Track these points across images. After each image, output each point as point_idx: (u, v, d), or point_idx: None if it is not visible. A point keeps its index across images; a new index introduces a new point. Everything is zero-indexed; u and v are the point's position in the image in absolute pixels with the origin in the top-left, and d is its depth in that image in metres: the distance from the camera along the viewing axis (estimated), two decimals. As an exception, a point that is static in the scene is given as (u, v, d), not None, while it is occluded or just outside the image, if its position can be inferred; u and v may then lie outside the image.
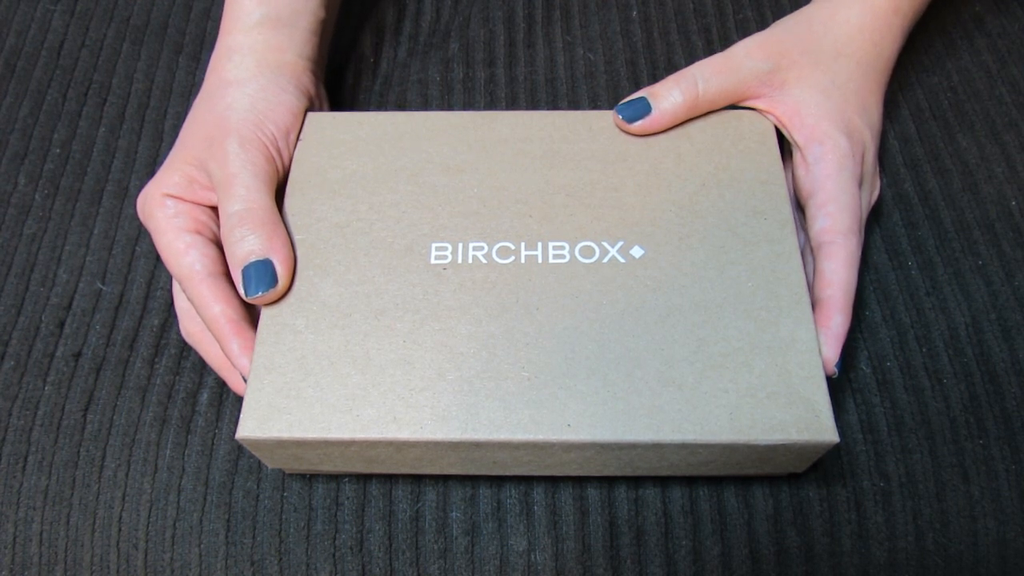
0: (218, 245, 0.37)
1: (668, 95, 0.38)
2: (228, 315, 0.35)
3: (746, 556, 0.35)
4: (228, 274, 0.36)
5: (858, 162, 0.38)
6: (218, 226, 0.37)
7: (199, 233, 0.36)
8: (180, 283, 0.36)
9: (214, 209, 0.38)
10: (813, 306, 0.35)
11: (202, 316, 0.35)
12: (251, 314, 0.36)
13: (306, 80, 0.41)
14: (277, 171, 0.38)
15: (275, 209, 0.36)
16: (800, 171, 0.38)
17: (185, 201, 0.37)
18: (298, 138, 0.40)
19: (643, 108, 0.39)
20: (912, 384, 0.38)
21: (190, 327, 0.38)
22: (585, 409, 0.32)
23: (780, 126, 0.39)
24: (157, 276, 0.43)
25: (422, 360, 0.33)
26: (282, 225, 0.36)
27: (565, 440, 0.32)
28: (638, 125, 0.39)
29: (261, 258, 0.35)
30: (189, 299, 0.36)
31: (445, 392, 0.33)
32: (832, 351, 0.34)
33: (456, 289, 0.35)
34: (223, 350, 0.35)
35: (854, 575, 0.35)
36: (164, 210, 0.36)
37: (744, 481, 0.36)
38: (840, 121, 0.38)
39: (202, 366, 0.40)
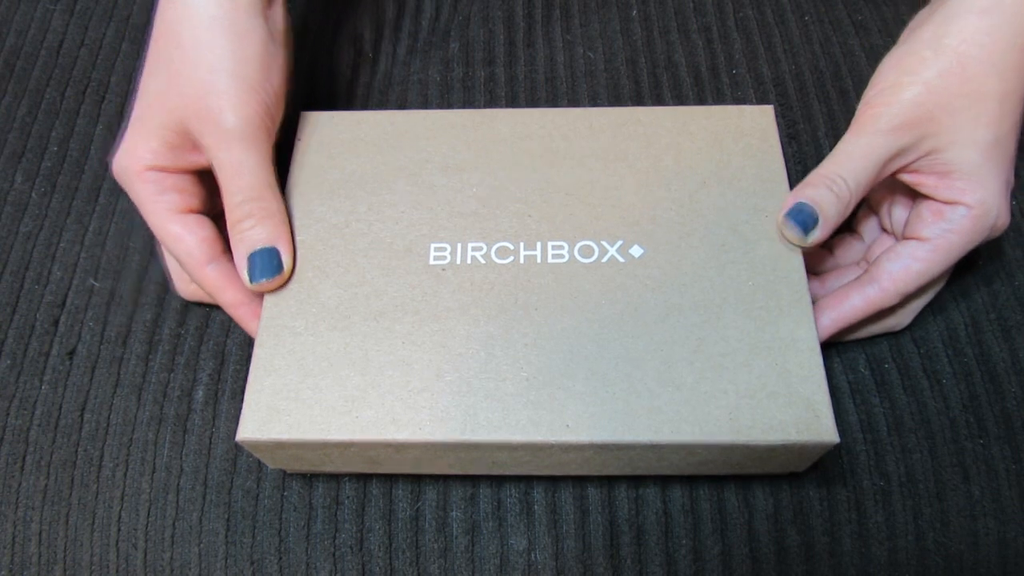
0: (212, 217, 0.37)
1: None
2: (239, 299, 0.36)
3: (746, 555, 0.35)
4: (228, 252, 0.36)
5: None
6: (206, 190, 0.37)
7: (191, 211, 0.36)
8: (183, 266, 0.36)
9: (199, 173, 0.37)
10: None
11: (216, 300, 0.36)
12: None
13: (278, 16, 0.38)
14: (274, 139, 0.37)
15: (279, 196, 0.37)
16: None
17: (169, 172, 0.35)
18: (295, 137, 0.40)
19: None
20: (911, 384, 0.38)
21: (185, 287, 0.39)
22: (584, 410, 0.32)
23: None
24: (148, 270, 0.43)
25: (421, 361, 0.33)
26: (285, 213, 0.37)
27: (564, 441, 0.31)
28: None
29: (267, 246, 0.35)
30: (194, 280, 0.37)
31: (444, 393, 0.33)
32: None
33: (455, 290, 0.35)
34: (245, 330, 0.37)
35: (854, 575, 0.35)
36: (147, 187, 0.35)
37: (744, 480, 0.36)
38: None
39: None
